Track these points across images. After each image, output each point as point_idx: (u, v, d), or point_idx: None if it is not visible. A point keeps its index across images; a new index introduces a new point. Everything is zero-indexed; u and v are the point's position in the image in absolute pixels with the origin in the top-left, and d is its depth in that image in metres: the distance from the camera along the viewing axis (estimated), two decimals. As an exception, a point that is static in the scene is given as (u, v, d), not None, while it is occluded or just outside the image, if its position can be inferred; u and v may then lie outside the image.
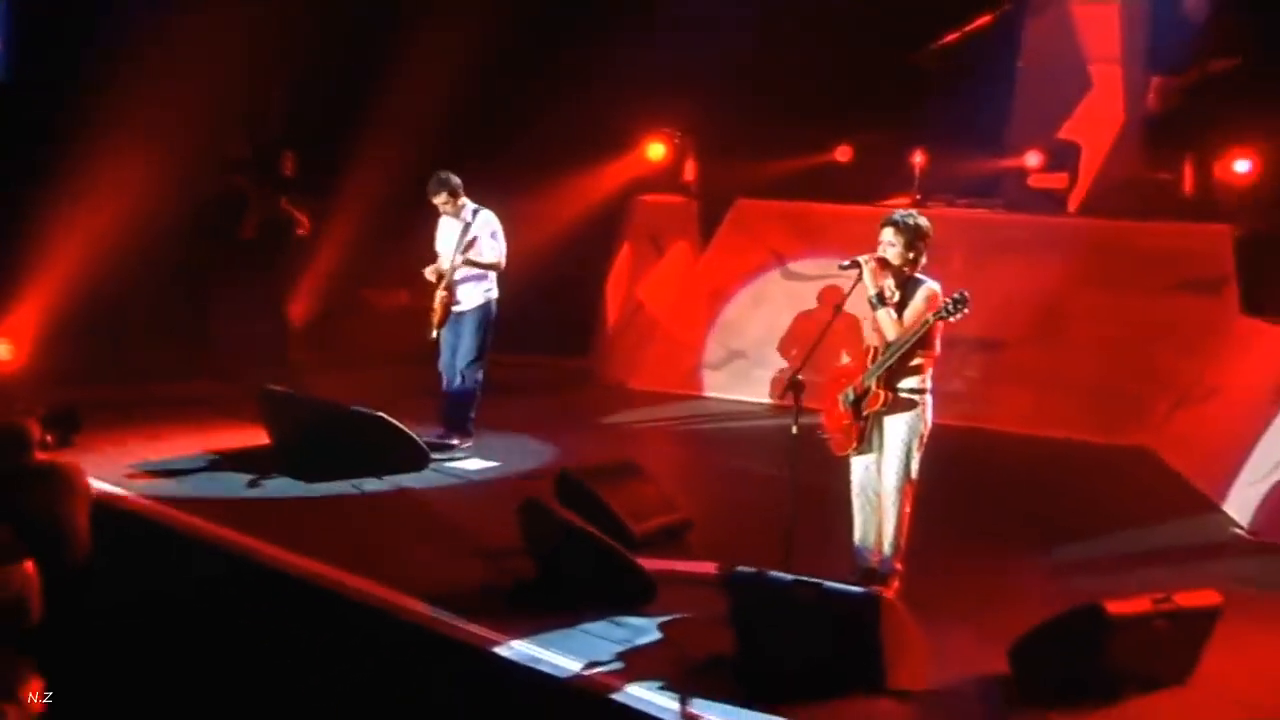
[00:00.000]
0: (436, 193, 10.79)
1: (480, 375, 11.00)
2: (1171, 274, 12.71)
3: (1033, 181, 14.29)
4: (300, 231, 14.23)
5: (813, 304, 13.20)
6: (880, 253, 7.68)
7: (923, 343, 7.52)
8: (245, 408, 11.59)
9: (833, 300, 12.40)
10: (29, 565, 7.10)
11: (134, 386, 12.33)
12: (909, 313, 7.57)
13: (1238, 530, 9.45)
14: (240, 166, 13.83)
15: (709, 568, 8.15)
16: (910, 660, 6.71)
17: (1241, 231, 12.64)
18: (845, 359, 12.37)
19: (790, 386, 7.63)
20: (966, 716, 6.51)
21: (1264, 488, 9.69)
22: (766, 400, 13.37)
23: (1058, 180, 14.30)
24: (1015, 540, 9.06)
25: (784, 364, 13.30)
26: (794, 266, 13.92)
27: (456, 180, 10.81)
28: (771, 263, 14.07)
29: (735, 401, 13.43)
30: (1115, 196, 14.14)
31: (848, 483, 7.95)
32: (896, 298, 7.64)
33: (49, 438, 8.88)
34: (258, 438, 10.86)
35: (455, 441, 10.72)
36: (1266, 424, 10.19)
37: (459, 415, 10.83)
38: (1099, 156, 14.77)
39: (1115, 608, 6.61)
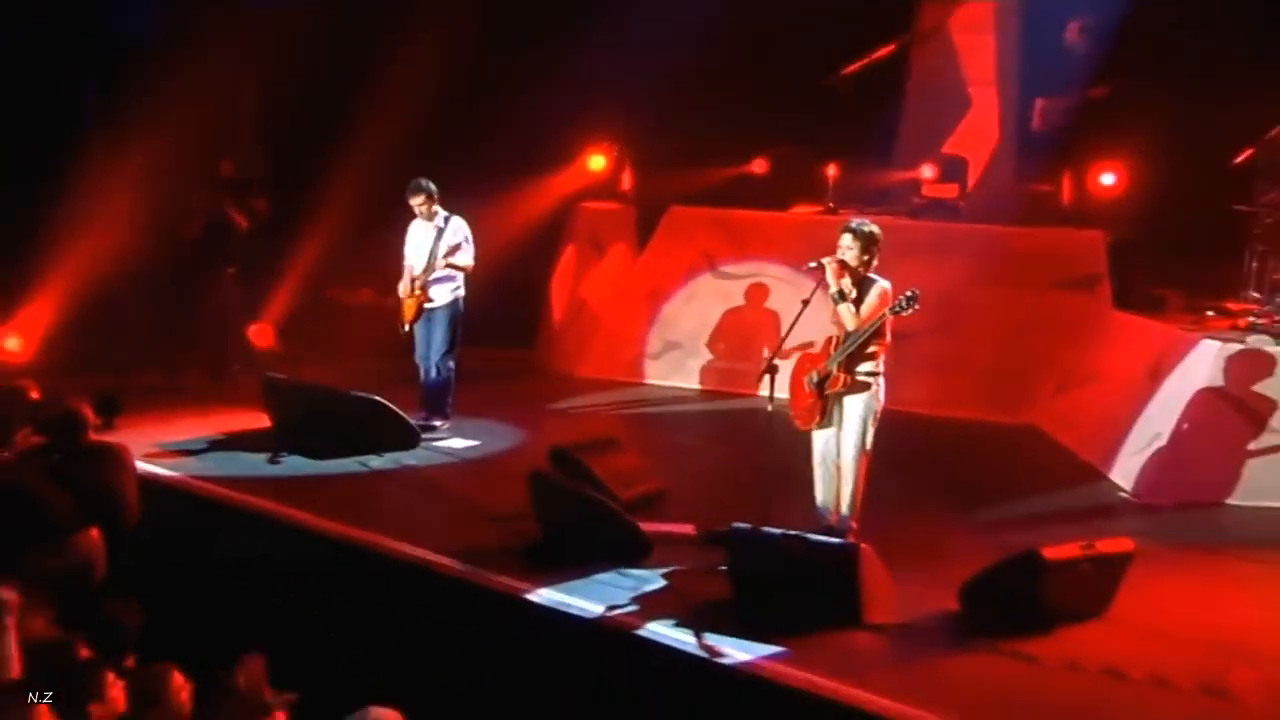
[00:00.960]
0: (415, 195, 11.11)
1: (453, 364, 11.35)
2: (1052, 273, 13.06)
3: (926, 191, 14.33)
4: (240, 229, 14.04)
5: (740, 301, 13.72)
6: (840, 255, 8.19)
7: (877, 333, 8.11)
8: (234, 395, 11.90)
9: (758, 298, 13.34)
10: (94, 532, 7.65)
11: (133, 376, 12.36)
12: (865, 307, 8.10)
13: (1123, 494, 10.11)
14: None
15: (688, 528, 8.68)
16: (882, 600, 7.38)
17: (1113, 237, 13.06)
18: (767, 354, 13.21)
19: (766, 370, 8.08)
20: (929, 645, 7.13)
21: (1143, 458, 10.36)
22: (698, 386, 13.71)
23: (949, 190, 14.33)
24: (940, 504, 9.56)
25: (711, 356, 13.76)
26: (722, 267, 14.20)
27: (433, 186, 11.19)
28: (702, 264, 14.33)
29: (671, 387, 13.74)
30: (1002, 205, 14.30)
31: (808, 452, 8.37)
32: (854, 294, 8.11)
33: (98, 420, 9.11)
34: (258, 421, 11.05)
35: (437, 423, 11.05)
36: (1142, 404, 10.85)
37: (438, 400, 11.19)
38: (980, 168, 14.86)
39: (1050, 553, 7.30)
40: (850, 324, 8.08)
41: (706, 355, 13.91)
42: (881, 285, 8.13)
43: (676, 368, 14.07)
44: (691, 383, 13.83)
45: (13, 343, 12.93)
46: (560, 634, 7.30)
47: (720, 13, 13.94)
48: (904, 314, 8.03)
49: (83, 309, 13.08)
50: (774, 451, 8.29)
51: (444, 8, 14.35)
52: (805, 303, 8.30)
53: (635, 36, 13.76)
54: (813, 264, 8.30)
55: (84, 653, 5.72)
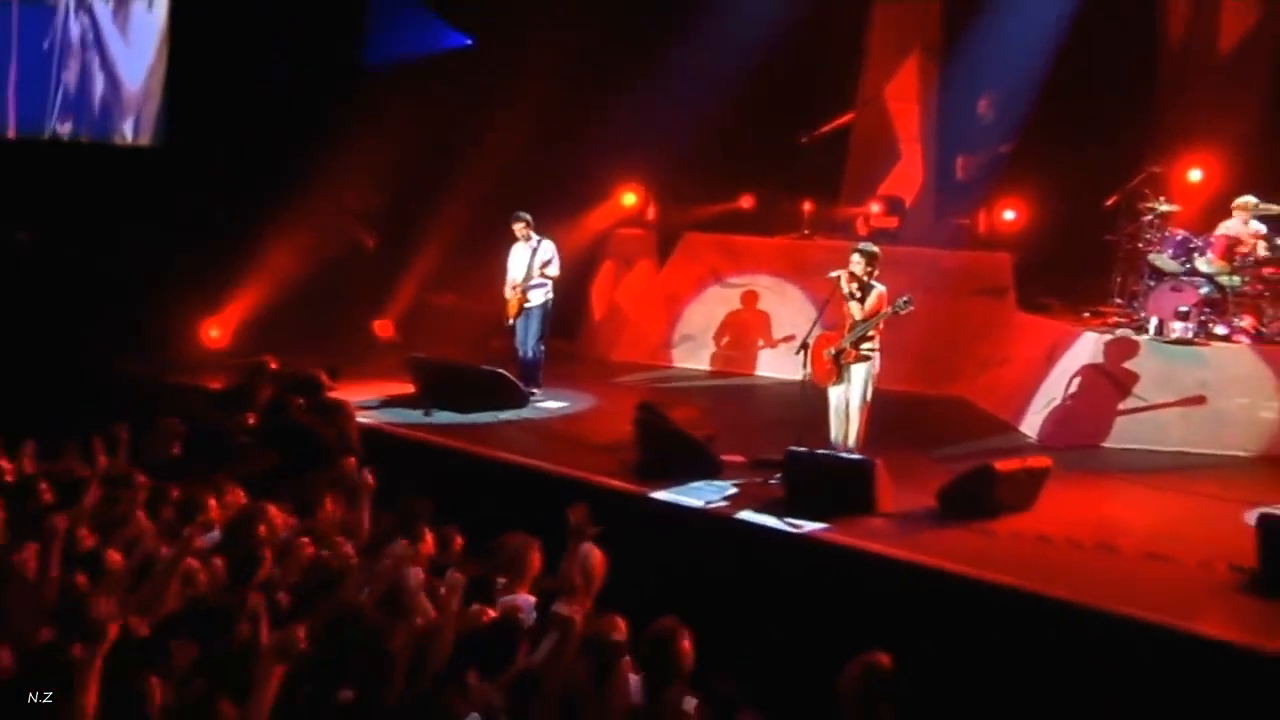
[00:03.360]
0: (517, 222, 12.25)
1: (543, 348, 12.47)
2: (971, 284, 13.83)
3: (874, 222, 14.83)
4: (367, 248, 15.30)
5: (737, 305, 14.55)
6: (851, 268, 9.50)
7: (875, 322, 9.49)
8: (371, 370, 13.00)
9: (751, 302, 14.31)
10: (352, 460, 8.73)
11: (300, 357, 12.48)
12: (868, 304, 9.45)
13: (1030, 440, 11.27)
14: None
15: (740, 457, 10.01)
16: (888, 497, 8.94)
17: (1015, 258, 13.93)
18: (760, 344, 14.28)
19: (801, 348, 9.55)
20: (920, 524, 8.70)
21: (1043, 415, 11.52)
22: (708, 367, 14.54)
23: (891, 222, 14.93)
24: (906, 446, 10.53)
25: (714, 347, 14.61)
26: (724, 279, 14.93)
27: (529, 216, 12.32)
28: (709, 277, 15.02)
29: (687, 368, 14.58)
30: (928, 233, 14.96)
31: (825, 404, 9.76)
32: (861, 295, 9.52)
33: (330, 383, 10.59)
34: (400, 389, 12.21)
35: (534, 391, 12.19)
36: (1041, 378, 11.94)
37: (533, 374, 12.36)
38: (911, 205, 15.35)
39: (999, 466, 8.87)
40: (858, 315, 9.48)
41: (713, 345, 14.70)
42: (879, 289, 9.48)
43: (691, 354, 14.83)
44: (703, 365, 14.63)
45: (214, 333, 13.84)
46: (677, 520, 8.90)
47: (721, 88, 14.54)
48: (901, 314, 9.34)
49: (263, 308, 14.04)
50: (803, 407, 9.64)
51: (514, 85, 14.86)
52: (827, 302, 9.76)
53: (656, 108, 14.62)
54: (832, 274, 9.65)
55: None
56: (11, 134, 16.60)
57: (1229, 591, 7.68)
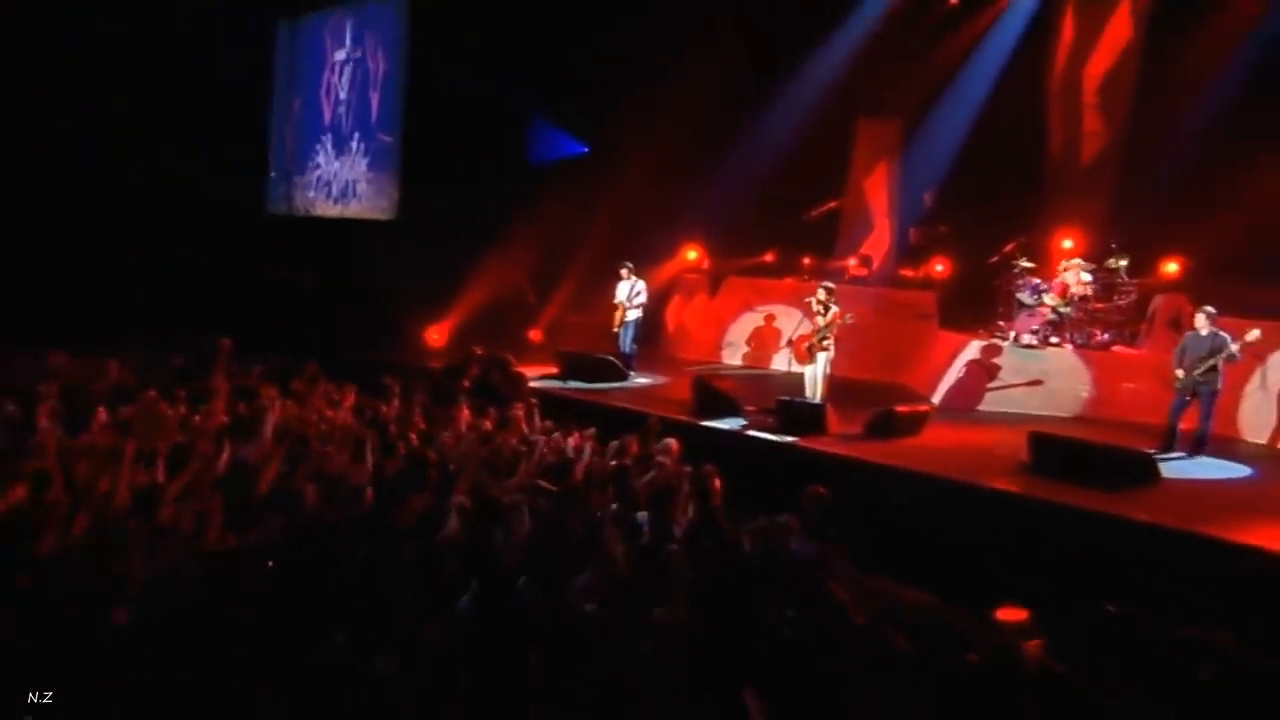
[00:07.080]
0: (623, 267, 15.22)
1: (636, 347, 15.27)
2: (910, 311, 15.94)
3: (852, 272, 16.89)
4: (528, 289, 18.28)
5: (761, 323, 16.85)
6: (819, 297, 12.79)
7: (832, 328, 12.86)
8: (526, 359, 15.49)
9: (770, 321, 16.70)
10: (519, 405, 11.72)
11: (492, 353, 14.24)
12: (828, 317, 12.80)
13: (934, 404, 13.38)
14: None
15: (754, 407, 12.67)
16: (834, 424, 12.05)
17: (940, 295, 15.67)
18: (775, 350, 16.81)
19: (788, 343, 13.02)
20: (852, 440, 11.51)
21: (945, 389, 14.00)
22: (741, 363, 16.71)
23: (863, 271, 17.00)
24: (859, 405, 12.49)
25: (747, 349, 16.71)
26: (753, 307, 17.09)
27: (631, 264, 15.25)
28: (744, 306, 17.12)
29: (728, 364, 16.83)
30: (888, 279, 16.91)
31: (802, 379, 13.20)
32: (824, 312, 12.88)
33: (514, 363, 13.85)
34: (545, 369, 14.81)
35: (631, 372, 14.92)
36: (946, 368, 14.24)
37: (630, 363, 15.11)
38: (879, 261, 17.43)
39: (898, 408, 12.13)
40: (822, 324, 12.86)
41: (745, 349, 17.00)
42: (835, 309, 12.82)
43: (731, 355, 17.05)
44: (738, 362, 16.92)
45: (434, 336, 16.66)
46: (718, 436, 11.87)
47: (754, 180, 16.57)
48: (849, 323, 12.74)
49: (463, 321, 16.79)
50: (791, 383, 12.99)
51: (616, 180, 16.86)
52: (805, 315, 13.21)
53: (710, 195, 16.93)
54: (808, 299, 12.99)
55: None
56: (303, 212, 20.51)
57: (1015, 471, 11.14)
